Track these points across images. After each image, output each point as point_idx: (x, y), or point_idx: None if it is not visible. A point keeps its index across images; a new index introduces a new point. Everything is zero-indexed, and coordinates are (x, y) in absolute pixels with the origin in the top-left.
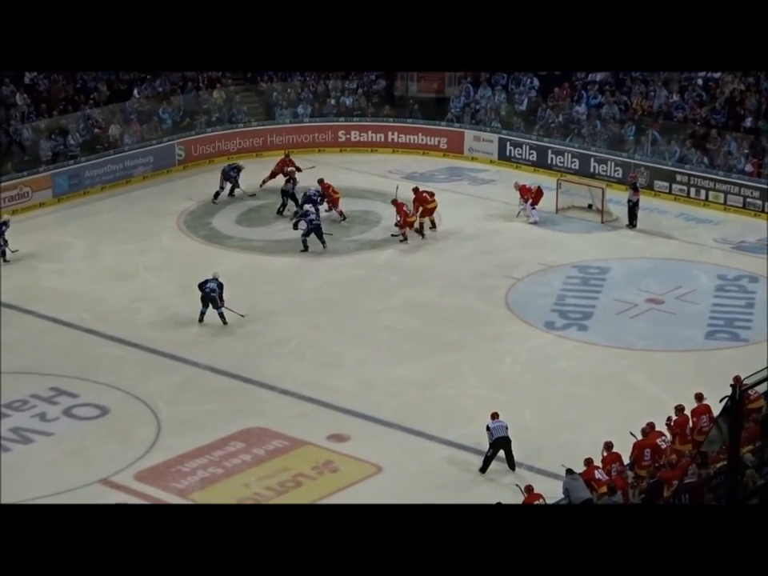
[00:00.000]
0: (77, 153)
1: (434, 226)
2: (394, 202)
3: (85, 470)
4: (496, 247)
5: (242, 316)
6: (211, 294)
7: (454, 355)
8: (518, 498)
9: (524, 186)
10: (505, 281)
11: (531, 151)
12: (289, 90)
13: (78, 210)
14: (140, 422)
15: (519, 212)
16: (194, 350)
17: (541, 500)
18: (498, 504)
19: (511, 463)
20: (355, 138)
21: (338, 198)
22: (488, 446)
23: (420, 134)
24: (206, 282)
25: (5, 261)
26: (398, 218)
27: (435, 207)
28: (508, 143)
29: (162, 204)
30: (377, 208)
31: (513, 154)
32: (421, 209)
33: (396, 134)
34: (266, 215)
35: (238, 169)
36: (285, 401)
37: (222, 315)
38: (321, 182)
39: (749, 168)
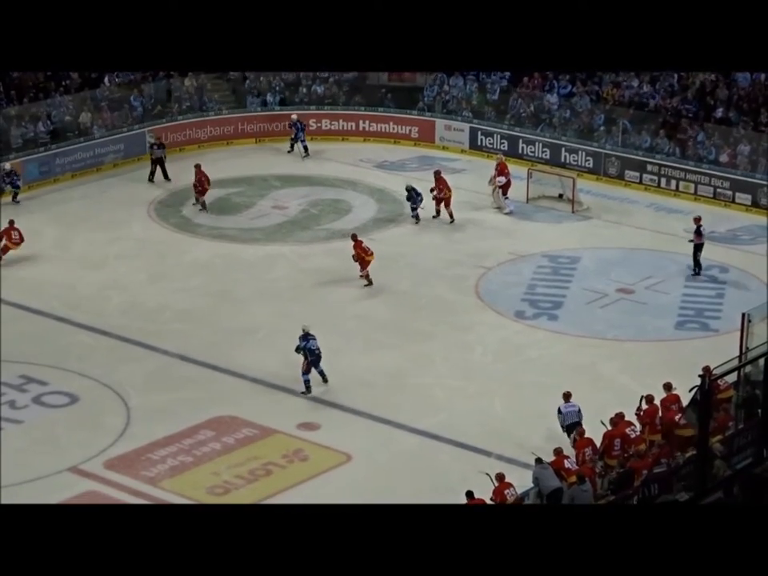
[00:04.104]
0: (47, 140)
1: (452, 219)
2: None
3: (54, 457)
4: (466, 236)
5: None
6: (319, 354)
7: (425, 344)
8: (489, 487)
9: (504, 162)
10: (475, 270)
11: (502, 141)
12: (260, 79)
13: (49, 197)
14: (110, 410)
15: (494, 190)
16: (164, 338)
17: (511, 488)
18: (468, 491)
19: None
20: (326, 126)
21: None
22: (561, 429)
23: (391, 123)
24: (307, 339)
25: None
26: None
27: (451, 196)
28: (479, 132)
29: (132, 192)
30: (347, 197)
31: (484, 144)
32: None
33: (367, 122)
34: (236, 203)
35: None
36: (255, 389)
37: (322, 373)
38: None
39: (724, 158)
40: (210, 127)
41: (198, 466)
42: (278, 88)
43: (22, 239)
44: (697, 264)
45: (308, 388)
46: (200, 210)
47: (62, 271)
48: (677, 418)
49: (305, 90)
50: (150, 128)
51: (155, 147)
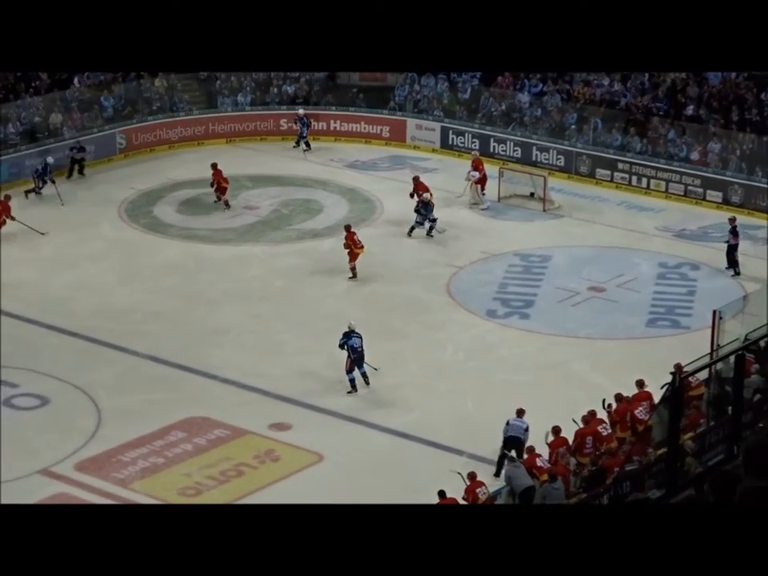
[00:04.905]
0: (17, 141)
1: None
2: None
3: (25, 460)
4: (438, 235)
5: (375, 369)
6: (362, 352)
7: (396, 343)
8: (461, 486)
9: (479, 159)
10: (447, 269)
11: (473, 140)
12: (231, 79)
13: (18, 199)
14: (80, 411)
15: (466, 187)
16: (135, 339)
17: (483, 487)
18: (440, 491)
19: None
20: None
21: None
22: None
23: (362, 123)
24: (350, 337)
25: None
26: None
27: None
28: (450, 132)
29: (102, 193)
30: (319, 197)
31: (455, 143)
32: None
33: (338, 122)
34: (207, 204)
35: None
36: (226, 390)
37: (365, 375)
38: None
39: (695, 156)
40: (180, 128)
41: (170, 467)
42: (249, 88)
43: (3, 219)
44: (734, 264)
45: (353, 387)
46: (224, 209)
47: (33, 272)
48: (636, 411)
49: (275, 89)
50: (121, 129)
51: (75, 150)
